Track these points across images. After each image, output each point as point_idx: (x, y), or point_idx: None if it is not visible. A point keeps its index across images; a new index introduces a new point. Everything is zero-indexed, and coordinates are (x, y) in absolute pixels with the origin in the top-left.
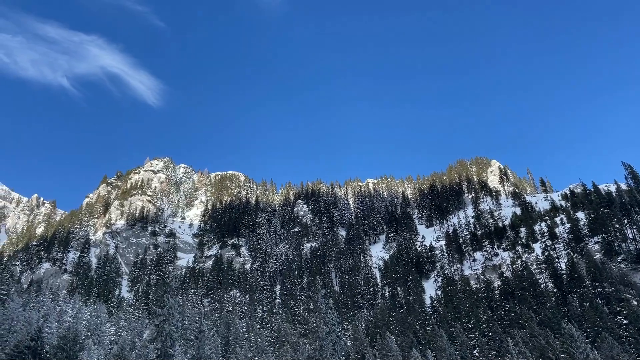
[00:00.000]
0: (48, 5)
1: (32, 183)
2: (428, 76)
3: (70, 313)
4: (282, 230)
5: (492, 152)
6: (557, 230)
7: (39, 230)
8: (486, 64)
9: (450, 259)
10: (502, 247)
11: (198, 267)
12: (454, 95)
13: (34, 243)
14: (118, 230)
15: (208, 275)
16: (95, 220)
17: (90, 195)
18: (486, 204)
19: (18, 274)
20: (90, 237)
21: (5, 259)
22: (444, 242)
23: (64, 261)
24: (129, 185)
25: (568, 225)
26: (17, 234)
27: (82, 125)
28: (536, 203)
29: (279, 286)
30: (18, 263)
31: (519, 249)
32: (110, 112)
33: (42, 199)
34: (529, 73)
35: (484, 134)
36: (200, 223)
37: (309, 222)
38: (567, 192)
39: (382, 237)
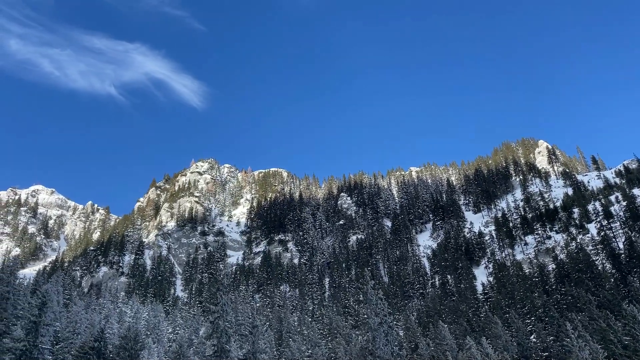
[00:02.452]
0: (93, 17)
1: (86, 191)
2: (467, 59)
3: (130, 313)
4: (327, 223)
5: (539, 132)
6: (612, 209)
7: (95, 236)
8: (526, 42)
9: (501, 244)
10: (554, 229)
11: (247, 263)
12: (495, 77)
13: (92, 248)
14: (169, 231)
15: (257, 271)
16: (147, 223)
17: (141, 199)
18: (535, 186)
19: (79, 279)
20: (144, 239)
21: (66, 264)
22: (493, 228)
23: (120, 264)
24: (176, 188)
25: (624, 204)
26: (75, 240)
27: (131, 131)
28: (588, 182)
29: (327, 279)
30: (78, 268)
31: (573, 230)
32: (156, 117)
33: (96, 205)
34: (571, 48)
35: (529, 114)
36: (247, 221)
37: (353, 214)
38: (621, 168)
39: (429, 225)
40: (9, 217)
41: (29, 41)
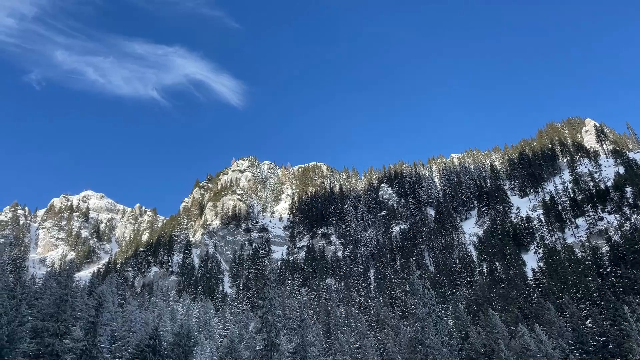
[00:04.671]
0: (132, 24)
1: (134, 194)
2: (504, 38)
3: (181, 311)
4: (369, 215)
5: (585, 110)
6: None
7: (145, 237)
8: (566, 17)
9: (550, 228)
10: (606, 210)
11: (292, 258)
12: (535, 56)
13: (142, 249)
14: (214, 230)
15: (302, 265)
16: (193, 222)
17: (186, 199)
18: (584, 166)
19: (131, 279)
20: (190, 238)
21: (119, 266)
22: (541, 211)
23: (170, 263)
24: (219, 187)
25: None
26: (126, 242)
27: (174, 133)
28: None
29: (372, 271)
30: (130, 269)
31: (627, 210)
32: (197, 118)
33: (143, 207)
34: (612, 19)
35: (573, 92)
36: (289, 216)
37: (395, 205)
38: None
39: (473, 212)
40: (63, 223)
41: (74, 51)
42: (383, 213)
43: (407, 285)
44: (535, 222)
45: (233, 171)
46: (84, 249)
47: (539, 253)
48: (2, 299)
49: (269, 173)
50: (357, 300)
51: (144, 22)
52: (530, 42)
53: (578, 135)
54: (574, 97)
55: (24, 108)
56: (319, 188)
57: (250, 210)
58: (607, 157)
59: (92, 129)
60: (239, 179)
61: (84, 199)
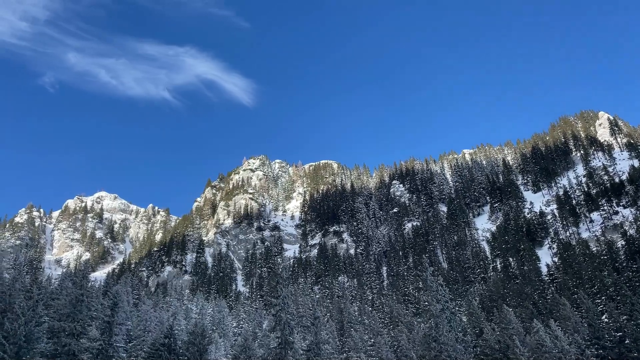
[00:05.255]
0: (143, 25)
1: (146, 194)
2: (517, 33)
3: (195, 310)
4: (381, 212)
5: (598, 103)
6: None
7: (158, 237)
8: (579, 10)
9: (564, 222)
10: (621, 204)
11: (304, 256)
12: (547, 49)
13: (155, 249)
14: (227, 229)
15: (315, 263)
16: (206, 222)
17: (198, 199)
18: (598, 160)
19: (145, 279)
20: (203, 238)
21: (133, 266)
22: (554, 206)
23: (183, 263)
24: (231, 186)
25: None
26: (140, 242)
27: (185, 133)
28: None
29: (385, 268)
30: (144, 269)
31: None
32: (209, 117)
33: (156, 207)
34: (627, 12)
35: (587, 86)
36: (301, 214)
37: (407, 202)
38: None
39: (486, 208)
40: (78, 224)
41: (86, 53)
42: (395, 210)
43: (420, 282)
44: (549, 217)
45: (244, 170)
46: (99, 249)
47: (553, 248)
48: (19, 299)
49: (280, 172)
50: (370, 298)
51: (154, 23)
52: (542, 36)
53: (591, 128)
54: (587, 90)
55: (38, 111)
56: (330, 186)
57: (262, 209)
58: (621, 151)
59: (105, 130)
60: (251, 178)
61: (98, 200)
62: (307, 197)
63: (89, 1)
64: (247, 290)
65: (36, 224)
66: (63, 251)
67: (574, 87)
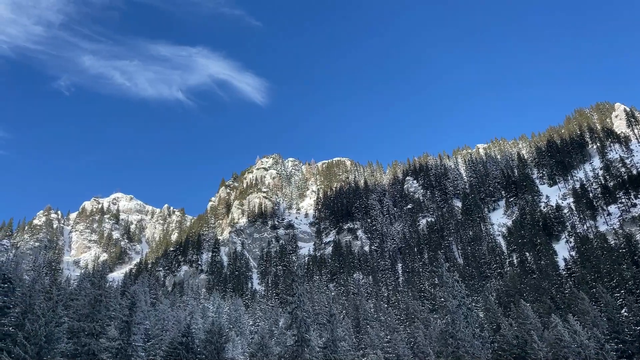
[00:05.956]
0: (156, 27)
1: (162, 194)
2: (529, 23)
3: (212, 309)
4: (395, 208)
5: (614, 95)
6: None
7: (174, 237)
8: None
9: (581, 216)
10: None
11: (319, 254)
12: (560, 41)
13: (171, 249)
14: (241, 228)
15: (330, 260)
16: (220, 221)
17: (213, 198)
18: (614, 152)
19: (162, 278)
20: (218, 237)
21: (150, 265)
22: (571, 200)
23: (199, 262)
24: (244, 185)
25: None
26: (156, 243)
27: (199, 133)
28: None
29: (400, 264)
30: (160, 268)
31: None
32: (222, 117)
33: (172, 208)
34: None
35: (602, 77)
36: (315, 212)
37: (421, 197)
38: None
39: (501, 202)
40: (95, 225)
41: (100, 56)
42: (409, 206)
43: (436, 278)
44: (565, 211)
45: (258, 169)
46: (116, 250)
47: (570, 242)
48: (39, 300)
49: (293, 170)
50: (385, 294)
51: (166, 24)
52: (555, 28)
53: (607, 120)
54: (602, 82)
55: (55, 114)
56: (343, 183)
57: (276, 207)
58: (638, 142)
59: (120, 132)
60: (264, 177)
61: (114, 201)
62: (321, 195)
63: (102, 4)
64: (263, 288)
65: (54, 225)
66: (81, 252)
67: (589, 79)
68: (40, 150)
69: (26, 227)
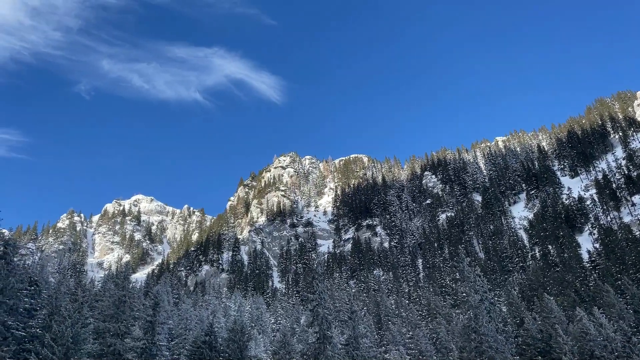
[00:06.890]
0: (172, 29)
1: (182, 195)
2: (548, 12)
3: (234, 307)
4: (414, 204)
5: (635, 83)
6: None
7: (194, 237)
8: None
9: (605, 207)
10: None
11: (338, 251)
12: (580, 31)
13: (192, 249)
14: (260, 226)
15: (349, 257)
16: (240, 220)
17: (232, 198)
18: (638, 142)
19: (184, 278)
20: (238, 236)
21: (171, 266)
22: (594, 191)
23: (220, 261)
24: (263, 184)
25: None
26: (177, 243)
27: (217, 133)
28: None
29: (420, 260)
30: (182, 268)
31: None
32: (239, 116)
33: (192, 208)
34: None
35: (622, 65)
36: (333, 209)
37: (440, 192)
38: None
39: (522, 195)
40: (117, 227)
41: (118, 59)
42: (428, 201)
43: (457, 273)
44: (588, 203)
45: (275, 168)
46: (138, 251)
47: (594, 234)
48: (65, 302)
49: (310, 168)
50: (406, 290)
51: (183, 26)
52: (574, 17)
53: (629, 109)
54: (623, 70)
55: (75, 118)
56: (361, 180)
57: (295, 205)
58: None
59: (139, 134)
60: (282, 176)
61: (135, 203)
62: (339, 192)
63: (118, 8)
64: (283, 286)
65: (77, 228)
66: (104, 254)
67: (609, 68)
68: (62, 154)
69: (50, 231)
